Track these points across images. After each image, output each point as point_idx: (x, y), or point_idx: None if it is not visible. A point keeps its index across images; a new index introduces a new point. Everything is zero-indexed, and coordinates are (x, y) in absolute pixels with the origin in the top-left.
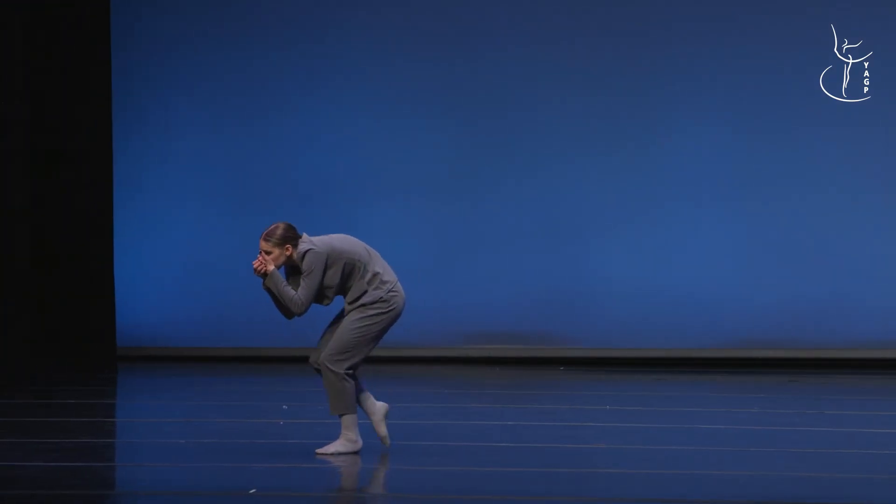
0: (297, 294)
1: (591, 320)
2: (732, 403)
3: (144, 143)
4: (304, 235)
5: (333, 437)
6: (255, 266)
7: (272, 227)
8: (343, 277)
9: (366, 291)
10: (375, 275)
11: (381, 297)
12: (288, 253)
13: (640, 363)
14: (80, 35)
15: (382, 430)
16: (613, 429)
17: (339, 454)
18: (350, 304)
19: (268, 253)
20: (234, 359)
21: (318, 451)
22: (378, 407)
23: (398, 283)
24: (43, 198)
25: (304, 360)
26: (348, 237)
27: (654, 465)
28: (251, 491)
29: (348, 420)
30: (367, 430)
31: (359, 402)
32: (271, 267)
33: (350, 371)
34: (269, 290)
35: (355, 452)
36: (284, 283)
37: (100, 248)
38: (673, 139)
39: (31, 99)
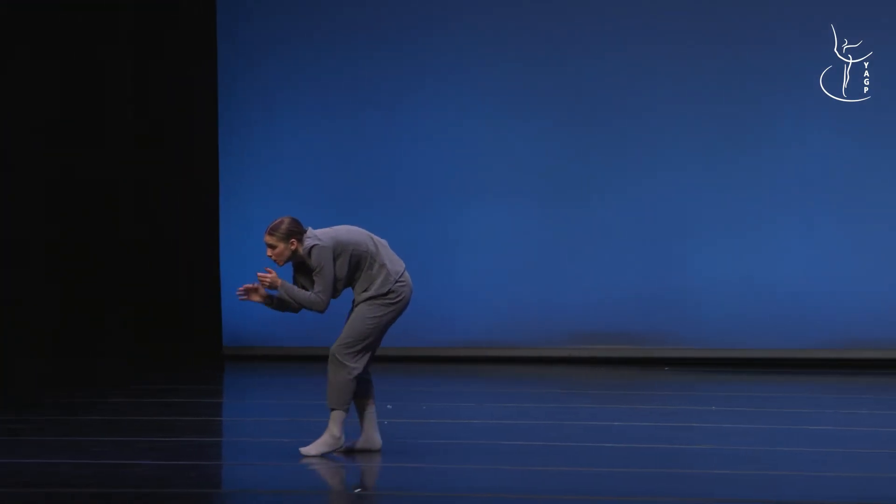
0: (312, 293)
1: (696, 320)
2: (838, 404)
3: (249, 143)
4: (309, 229)
5: (429, 434)
6: (261, 279)
7: (277, 221)
8: (350, 269)
9: (373, 282)
10: (382, 266)
11: (390, 289)
12: (293, 248)
13: (744, 363)
14: (185, 36)
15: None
16: (719, 429)
17: (324, 454)
18: (359, 295)
19: (272, 247)
20: None
21: (303, 450)
22: (374, 440)
23: (405, 273)
24: (150, 199)
25: (406, 360)
26: (353, 228)
27: (762, 465)
28: (355, 490)
29: (338, 416)
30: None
31: (362, 414)
32: (279, 282)
33: (356, 368)
34: (279, 300)
35: (336, 450)
36: (295, 288)
37: (206, 249)
38: (777, 143)
39: (137, 100)
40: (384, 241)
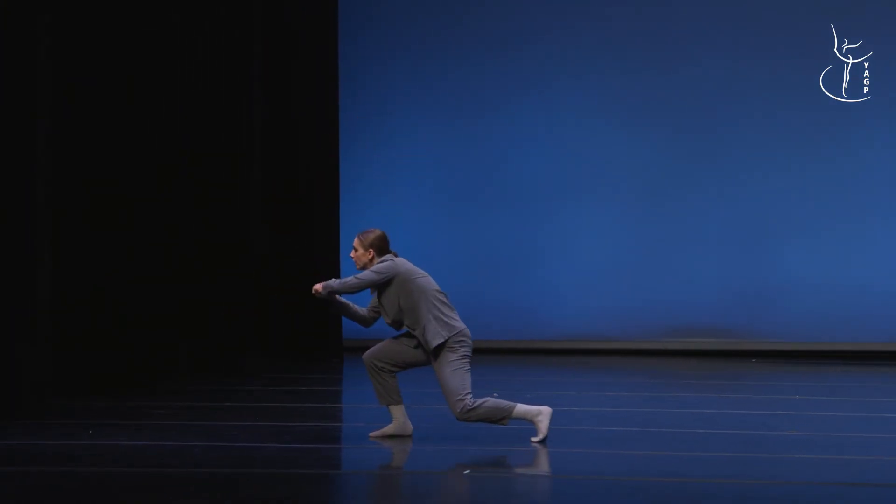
0: (352, 277)
1: (781, 315)
2: None
3: (368, 146)
4: (394, 254)
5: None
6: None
7: (369, 230)
8: (401, 302)
9: (429, 324)
10: (437, 315)
11: (460, 334)
12: (370, 257)
13: (826, 355)
14: (308, 46)
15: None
16: (803, 416)
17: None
18: (417, 335)
19: (355, 250)
20: None
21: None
22: (408, 427)
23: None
24: (274, 199)
25: (512, 351)
26: (428, 278)
27: (844, 450)
28: (465, 472)
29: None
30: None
31: (394, 399)
32: (319, 286)
33: (470, 397)
34: (335, 301)
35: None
36: (341, 281)
37: (327, 247)
38: (865, 145)
39: (267, 107)
40: (443, 300)
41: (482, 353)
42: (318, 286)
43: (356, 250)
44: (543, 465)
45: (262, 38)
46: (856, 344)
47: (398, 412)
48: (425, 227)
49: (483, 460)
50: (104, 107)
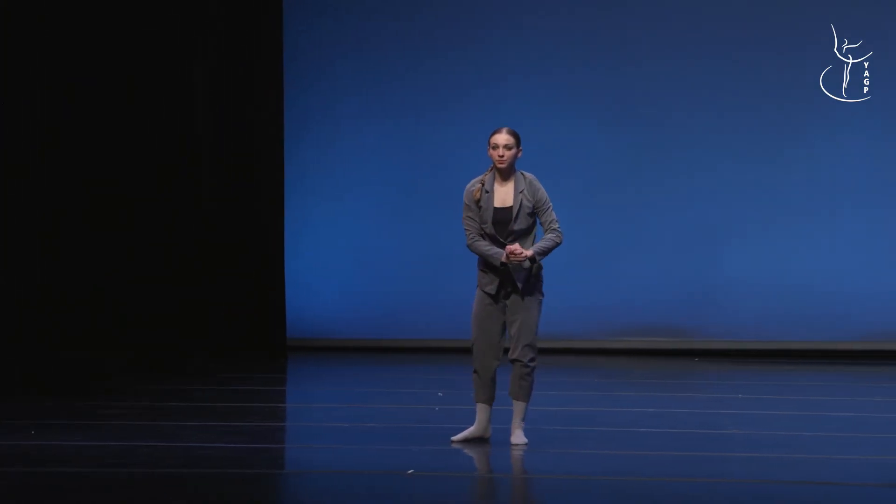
0: (555, 235)
1: (725, 314)
2: (859, 392)
3: (313, 137)
4: None
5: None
6: (513, 251)
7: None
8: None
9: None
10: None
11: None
12: (519, 155)
13: (769, 355)
14: (251, 39)
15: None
16: (745, 415)
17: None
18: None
19: (508, 148)
20: (394, 349)
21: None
22: (487, 429)
23: None
24: (216, 194)
25: (458, 350)
26: None
27: (785, 449)
28: (409, 472)
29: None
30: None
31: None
32: (529, 252)
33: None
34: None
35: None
36: (542, 246)
37: (273, 248)
38: (807, 144)
39: (211, 105)
40: None
41: (428, 352)
42: (528, 252)
43: (510, 148)
44: (484, 465)
45: (205, 37)
46: (799, 343)
47: (484, 414)
48: (371, 225)
49: (426, 461)
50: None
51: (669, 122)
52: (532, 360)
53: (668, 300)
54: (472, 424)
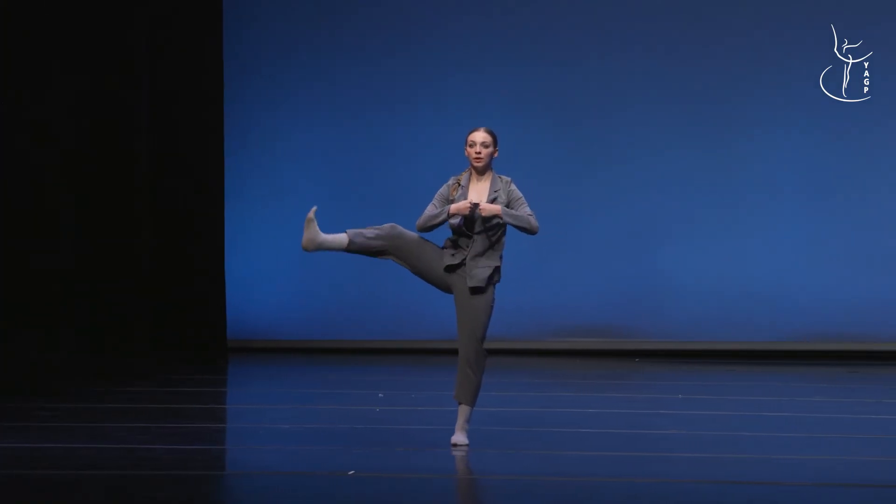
0: (530, 216)
1: (663, 315)
2: (797, 393)
3: (254, 138)
4: None
5: (420, 421)
6: (482, 209)
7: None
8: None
9: (498, 266)
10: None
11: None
12: (495, 155)
13: (710, 355)
14: (192, 39)
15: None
16: (685, 416)
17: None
18: (484, 267)
19: (486, 146)
20: (334, 350)
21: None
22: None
23: None
24: (157, 196)
25: (398, 352)
26: None
27: (724, 449)
28: (350, 472)
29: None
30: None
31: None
32: (497, 208)
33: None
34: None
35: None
36: (515, 212)
37: (213, 248)
38: (743, 143)
39: (150, 104)
40: None
41: (367, 354)
42: (496, 208)
43: (487, 146)
44: (422, 466)
45: (146, 37)
46: (738, 343)
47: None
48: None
49: (367, 462)
50: None
51: (605, 122)
52: (481, 356)
53: (607, 301)
54: (413, 425)
